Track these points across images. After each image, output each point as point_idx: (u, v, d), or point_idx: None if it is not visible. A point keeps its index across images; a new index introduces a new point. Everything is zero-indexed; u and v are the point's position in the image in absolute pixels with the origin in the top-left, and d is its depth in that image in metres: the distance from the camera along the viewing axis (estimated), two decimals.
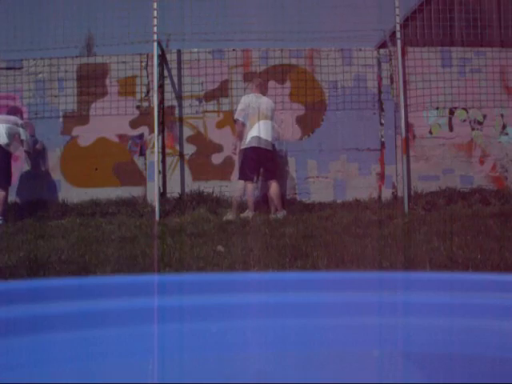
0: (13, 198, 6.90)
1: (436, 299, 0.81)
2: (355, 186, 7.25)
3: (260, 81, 6.80)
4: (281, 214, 6.21)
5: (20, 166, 7.09)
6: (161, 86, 7.16)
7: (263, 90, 6.68)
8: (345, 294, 0.83)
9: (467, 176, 7.32)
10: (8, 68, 7.30)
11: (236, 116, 6.51)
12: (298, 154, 7.26)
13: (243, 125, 6.42)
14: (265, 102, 6.46)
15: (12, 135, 6.53)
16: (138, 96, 7.30)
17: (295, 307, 0.80)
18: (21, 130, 6.62)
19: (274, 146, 6.48)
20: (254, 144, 6.30)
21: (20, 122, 6.69)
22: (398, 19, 6.96)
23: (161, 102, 7.07)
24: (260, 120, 6.34)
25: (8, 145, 6.48)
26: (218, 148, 7.26)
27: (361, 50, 7.43)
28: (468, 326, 0.75)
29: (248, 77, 7.29)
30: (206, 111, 7.30)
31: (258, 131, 6.31)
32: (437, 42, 7.79)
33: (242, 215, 6.12)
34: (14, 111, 6.86)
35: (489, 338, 0.75)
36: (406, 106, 7.14)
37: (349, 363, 0.66)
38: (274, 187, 6.36)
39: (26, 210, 6.59)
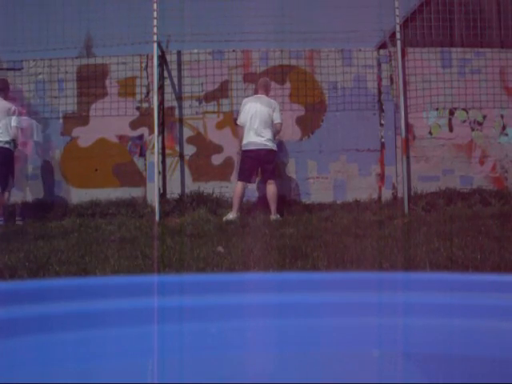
0: (13, 198, 6.89)
1: (436, 300, 0.81)
2: (355, 186, 7.25)
3: (265, 81, 6.70)
4: (276, 216, 6.15)
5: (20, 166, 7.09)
6: (161, 87, 7.16)
7: (267, 91, 6.62)
8: (345, 294, 0.83)
9: (467, 176, 7.32)
10: (8, 69, 7.31)
11: (238, 120, 6.52)
12: (297, 154, 7.26)
13: (242, 127, 6.42)
14: (265, 102, 6.40)
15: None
16: (138, 97, 7.30)
17: (295, 308, 0.80)
18: (33, 128, 6.70)
19: (272, 146, 6.43)
20: (252, 146, 6.29)
21: (33, 121, 6.72)
22: (397, 20, 6.97)
23: (161, 102, 7.07)
24: (257, 121, 6.30)
25: (9, 143, 6.49)
26: (218, 149, 7.26)
27: (361, 50, 7.43)
28: (468, 326, 0.75)
29: (248, 78, 7.30)
30: (206, 112, 7.31)
31: (255, 132, 6.30)
32: (437, 43, 7.79)
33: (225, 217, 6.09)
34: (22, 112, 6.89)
35: (489, 339, 0.75)
36: (405, 106, 7.14)
37: (349, 363, 0.66)
38: (271, 189, 6.33)
39: (26, 210, 6.59)
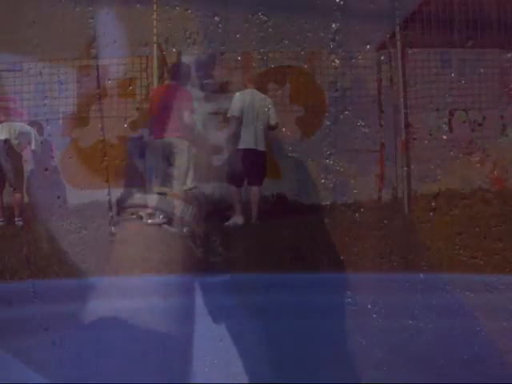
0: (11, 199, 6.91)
1: (436, 300, 0.80)
2: (355, 187, 7.24)
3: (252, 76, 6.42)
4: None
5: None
6: None
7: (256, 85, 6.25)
8: (345, 295, 0.82)
9: (467, 177, 7.31)
10: (7, 70, 7.31)
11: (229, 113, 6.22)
12: (297, 155, 7.26)
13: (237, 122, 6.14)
14: (262, 99, 6.07)
15: (24, 140, 6.60)
16: (138, 98, 7.30)
17: (295, 308, 0.79)
18: (33, 139, 6.68)
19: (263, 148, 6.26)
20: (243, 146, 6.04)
21: (35, 134, 6.72)
22: (397, 20, 6.97)
23: None
24: (253, 120, 6.04)
25: (19, 146, 6.55)
26: (218, 150, 7.26)
27: (360, 51, 7.43)
28: (468, 327, 0.75)
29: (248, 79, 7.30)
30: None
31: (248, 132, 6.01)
32: (437, 43, 7.79)
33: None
34: (34, 124, 6.91)
35: (488, 340, 0.74)
36: (405, 107, 7.14)
37: (348, 364, 0.65)
38: (254, 193, 6.13)
39: (27, 211, 6.59)
